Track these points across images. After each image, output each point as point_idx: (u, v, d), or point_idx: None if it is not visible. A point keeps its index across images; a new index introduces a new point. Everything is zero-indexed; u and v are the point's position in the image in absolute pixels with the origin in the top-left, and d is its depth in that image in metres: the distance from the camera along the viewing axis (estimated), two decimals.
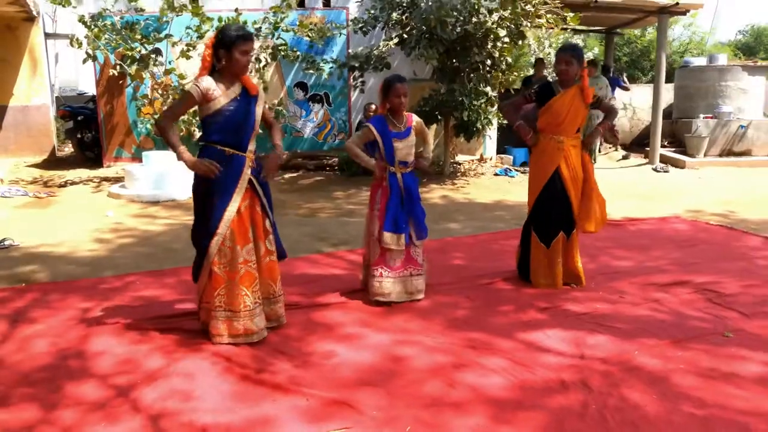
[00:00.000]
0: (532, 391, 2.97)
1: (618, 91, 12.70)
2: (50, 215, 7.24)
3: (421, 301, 4.20)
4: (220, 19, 9.01)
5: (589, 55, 20.28)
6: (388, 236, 4.01)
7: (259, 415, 2.76)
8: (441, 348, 3.45)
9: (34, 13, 10.62)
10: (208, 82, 3.32)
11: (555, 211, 4.36)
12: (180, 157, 3.38)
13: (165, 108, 3.68)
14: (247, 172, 3.42)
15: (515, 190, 8.74)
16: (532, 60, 19.58)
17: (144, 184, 7.60)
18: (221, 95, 3.35)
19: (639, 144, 12.88)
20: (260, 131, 3.61)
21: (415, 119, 4.18)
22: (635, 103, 13.41)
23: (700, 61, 12.80)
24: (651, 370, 3.19)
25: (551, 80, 4.47)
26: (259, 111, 3.49)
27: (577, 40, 18.52)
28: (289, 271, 4.76)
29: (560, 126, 4.30)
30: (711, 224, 6.56)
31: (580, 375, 3.13)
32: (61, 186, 9.00)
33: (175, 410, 2.77)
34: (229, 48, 3.30)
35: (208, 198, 3.38)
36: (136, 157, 9.95)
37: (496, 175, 9.56)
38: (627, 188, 8.92)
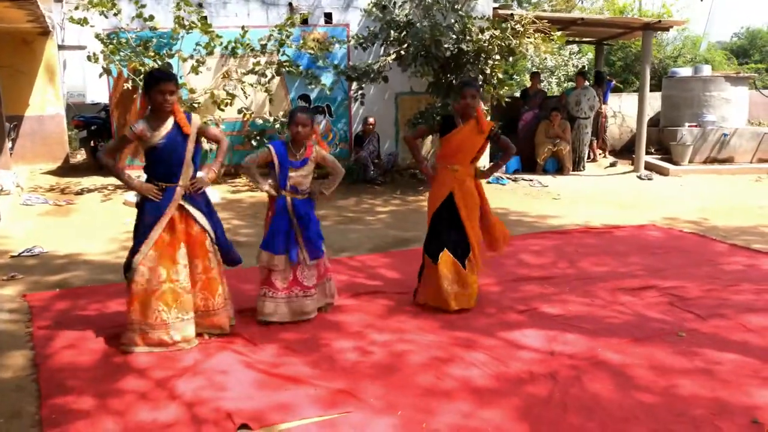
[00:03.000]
0: (506, 382, 3.50)
1: (610, 98, 13.27)
2: (71, 223, 7.75)
3: (413, 305, 4.70)
4: (229, 41, 9.54)
5: (584, 61, 20.82)
6: (263, 254, 4.22)
7: (275, 401, 3.28)
8: (432, 345, 3.99)
9: (50, 27, 11.14)
10: (141, 124, 3.78)
11: (444, 232, 4.60)
12: (127, 184, 3.89)
13: (105, 146, 4.16)
14: (176, 200, 3.84)
15: (506, 197, 9.28)
16: (528, 65, 20.21)
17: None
18: (153, 134, 3.79)
19: (628, 150, 13.40)
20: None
21: (316, 150, 4.32)
22: (624, 111, 13.94)
23: (686, 72, 13.33)
24: (611, 365, 3.72)
25: (452, 113, 4.77)
26: (190, 146, 3.86)
27: (572, 47, 19.04)
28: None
29: (455, 156, 4.60)
30: (683, 232, 7.10)
31: (549, 369, 3.66)
32: (77, 194, 9.50)
33: (205, 398, 3.30)
34: (147, 90, 3.78)
35: (142, 218, 3.87)
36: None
37: (488, 182, 10.09)
38: (611, 196, 9.46)
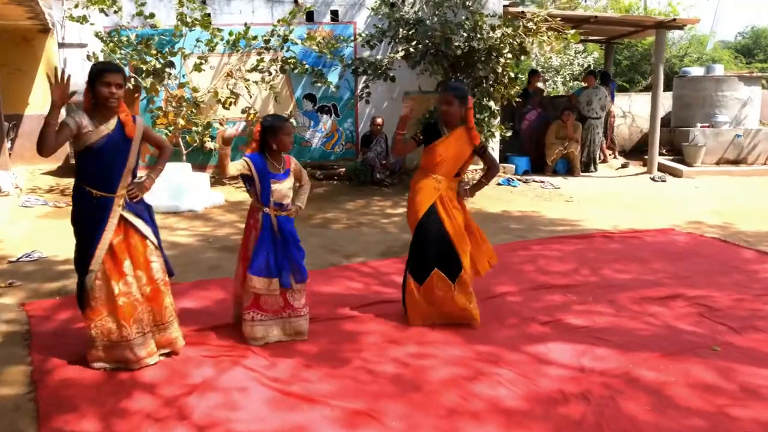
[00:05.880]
0: (536, 403, 3.27)
1: (619, 98, 13.05)
2: (71, 225, 7.52)
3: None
4: (231, 33, 9.35)
5: (589, 60, 20.59)
6: (255, 280, 3.84)
7: (289, 423, 3.06)
8: (454, 360, 3.76)
9: (50, 24, 10.91)
10: (82, 116, 3.41)
11: (430, 248, 4.25)
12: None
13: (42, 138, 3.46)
14: (117, 210, 3.50)
15: (518, 200, 9.06)
16: (533, 64, 19.97)
17: (160, 195, 7.86)
18: (92, 131, 3.42)
19: (638, 150, 13.20)
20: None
21: (294, 162, 4.05)
22: (634, 111, 13.72)
23: (698, 71, 13.11)
24: (645, 382, 3.50)
25: (436, 120, 4.41)
26: (134, 149, 3.54)
27: (578, 46, 18.81)
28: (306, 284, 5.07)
29: (439, 167, 4.27)
30: (707, 237, 6.87)
31: (580, 387, 3.43)
32: None
33: (216, 419, 3.08)
34: (92, 82, 3.42)
35: (83, 233, 3.53)
36: (150, 166, 10.25)
37: (499, 184, 9.87)
38: (626, 198, 9.24)
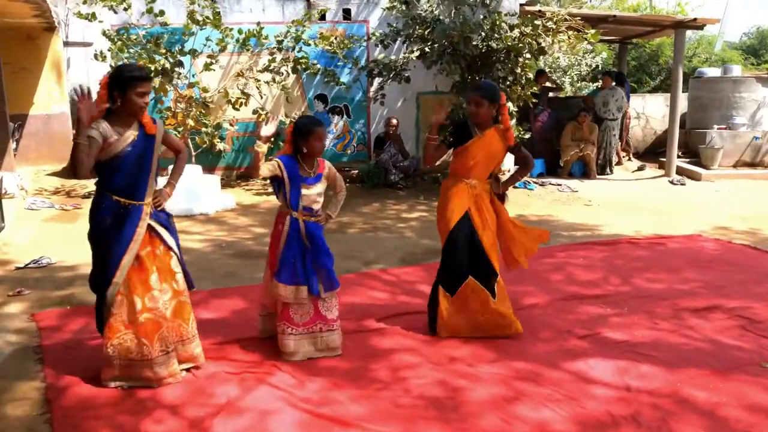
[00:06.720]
0: (585, 426, 3.06)
1: (633, 99, 12.81)
2: (79, 229, 7.28)
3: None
4: (240, 31, 9.14)
5: (597, 60, 20.36)
6: (282, 288, 3.68)
7: None
8: (491, 378, 3.55)
9: (56, 23, 10.71)
10: (104, 126, 3.22)
11: (463, 257, 4.05)
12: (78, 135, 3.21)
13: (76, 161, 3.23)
14: (145, 220, 3.35)
15: (535, 203, 8.85)
16: (541, 64, 19.74)
17: (174, 198, 7.67)
18: (118, 139, 3.25)
19: (651, 152, 12.98)
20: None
21: (327, 165, 3.87)
22: (648, 112, 13.50)
23: (714, 72, 12.89)
24: (696, 403, 3.29)
25: (467, 120, 4.17)
26: (156, 155, 3.39)
27: (587, 45, 18.57)
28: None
29: (473, 170, 4.06)
30: (736, 244, 6.66)
31: (629, 408, 3.23)
32: (84, 197, 9.07)
33: None
34: (124, 90, 3.21)
35: (106, 246, 3.32)
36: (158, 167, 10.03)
37: (515, 187, 9.65)
38: (645, 202, 9.02)
